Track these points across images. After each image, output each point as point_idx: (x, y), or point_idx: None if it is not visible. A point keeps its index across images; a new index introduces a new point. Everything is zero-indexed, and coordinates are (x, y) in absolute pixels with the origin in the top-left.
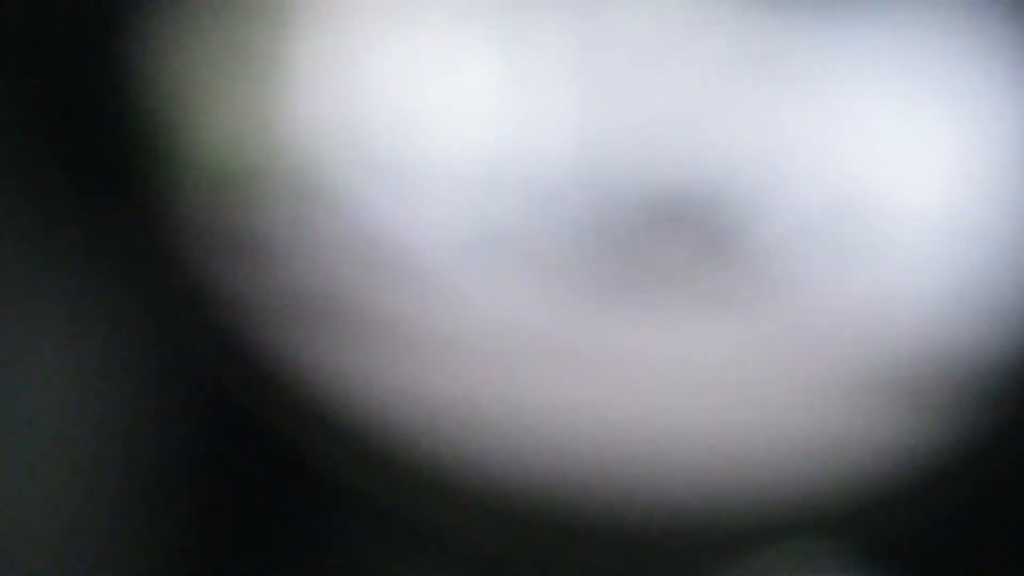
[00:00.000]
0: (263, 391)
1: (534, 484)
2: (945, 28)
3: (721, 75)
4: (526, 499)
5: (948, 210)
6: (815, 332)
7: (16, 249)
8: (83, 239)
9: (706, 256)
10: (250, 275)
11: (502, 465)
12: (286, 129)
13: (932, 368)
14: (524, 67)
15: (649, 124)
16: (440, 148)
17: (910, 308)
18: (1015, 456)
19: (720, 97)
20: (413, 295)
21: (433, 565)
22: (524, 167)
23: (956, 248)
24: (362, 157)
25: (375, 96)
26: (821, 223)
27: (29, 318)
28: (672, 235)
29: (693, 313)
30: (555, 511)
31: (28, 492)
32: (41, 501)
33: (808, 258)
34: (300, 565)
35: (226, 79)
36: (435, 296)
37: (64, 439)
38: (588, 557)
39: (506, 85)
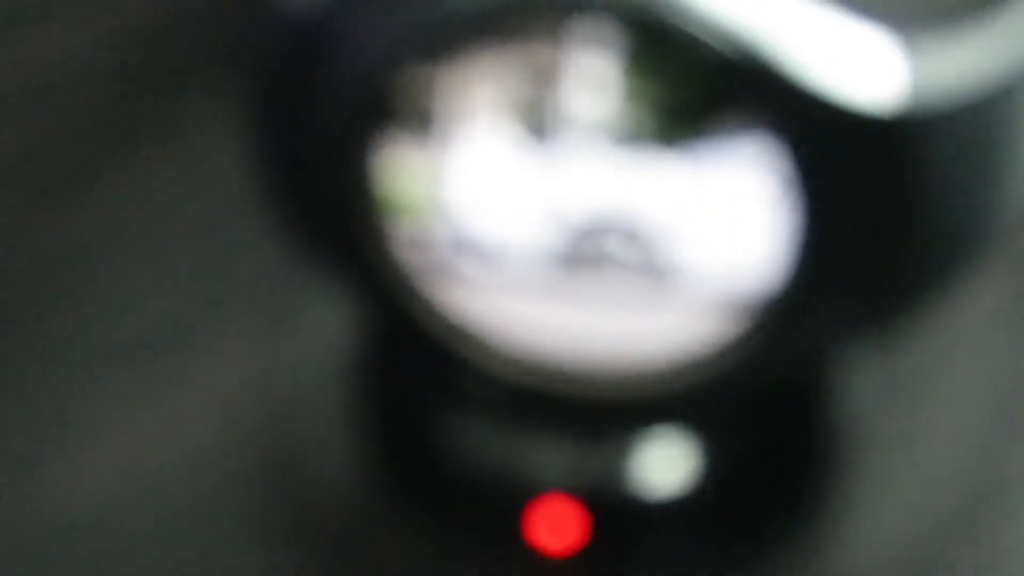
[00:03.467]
0: (429, 323)
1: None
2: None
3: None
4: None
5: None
6: (687, 287)
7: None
8: (328, 259)
9: (624, 256)
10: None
11: (527, 362)
12: (440, 191)
13: (744, 302)
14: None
15: (587, 186)
16: (498, 204)
17: (736, 276)
18: (789, 354)
19: (622, 173)
20: (489, 273)
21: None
22: (533, 210)
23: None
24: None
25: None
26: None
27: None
28: (606, 246)
29: (618, 284)
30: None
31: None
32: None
33: (678, 256)
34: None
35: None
36: (495, 274)
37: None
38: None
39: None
